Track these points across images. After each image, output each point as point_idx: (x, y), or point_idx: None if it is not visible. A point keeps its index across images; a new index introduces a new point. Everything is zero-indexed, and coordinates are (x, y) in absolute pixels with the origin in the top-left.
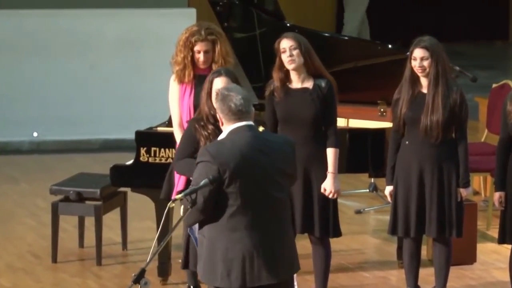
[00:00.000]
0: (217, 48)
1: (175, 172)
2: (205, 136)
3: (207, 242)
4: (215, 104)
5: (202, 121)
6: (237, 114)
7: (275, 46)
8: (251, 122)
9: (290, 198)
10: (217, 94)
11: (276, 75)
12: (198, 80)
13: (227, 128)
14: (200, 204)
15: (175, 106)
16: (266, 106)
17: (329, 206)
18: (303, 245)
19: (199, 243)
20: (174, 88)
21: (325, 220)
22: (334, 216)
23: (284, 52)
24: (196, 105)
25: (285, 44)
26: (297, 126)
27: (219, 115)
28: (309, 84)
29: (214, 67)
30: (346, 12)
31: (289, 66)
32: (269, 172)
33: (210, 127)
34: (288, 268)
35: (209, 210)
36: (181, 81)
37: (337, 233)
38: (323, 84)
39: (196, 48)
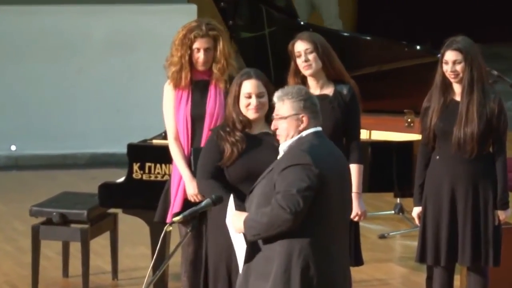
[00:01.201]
0: (219, 46)
1: (171, 191)
2: (232, 142)
3: (280, 259)
4: (291, 102)
5: (228, 127)
6: (320, 116)
7: (289, 49)
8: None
9: None
10: (299, 93)
11: (291, 81)
12: (196, 86)
13: (306, 130)
14: (299, 211)
15: (170, 116)
16: None
17: (351, 230)
18: None
19: (264, 259)
20: (168, 95)
21: None
22: (356, 241)
23: (299, 56)
24: (194, 115)
25: (300, 47)
26: None
27: (306, 117)
28: (328, 90)
29: (215, 68)
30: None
31: (305, 72)
32: (348, 185)
33: (238, 133)
34: None
35: (301, 219)
36: (177, 85)
37: (359, 261)
38: (345, 90)
39: (196, 45)
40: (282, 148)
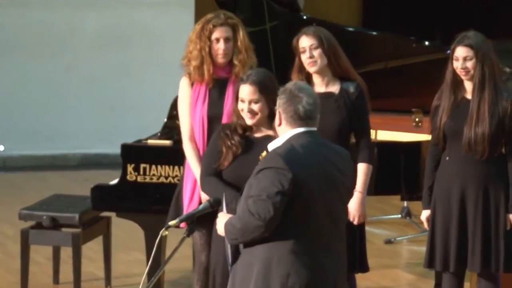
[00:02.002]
0: (239, 35)
1: (184, 194)
2: (228, 146)
3: (260, 265)
4: (278, 97)
5: (229, 129)
6: (304, 119)
7: (293, 44)
8: (315, 129)
9: None
10: (284, 90)
11: (295, 78)
12: (214, 84)
13: (288, 131)
14: (269, 218)
15: (186, 115)
16: None
17: (355, 234)
18: None
19: (247, 264)
20: (185, 92)
21: (350, 252)
22: (361, 247)
23: (303, 52)
24: (211, 115)
25: (305, 42)
26: None
27: (280, 115)
28: (334, 88)
29: (236, 59)
30: None
31: (310, 69)
32: (339, 188)
33: (236, 138)
34: None
35: (275, 225)
36: (199, 80)
37: (364, 268)
38: (351, 88)
39: (215, 35)
40: (269, 148)
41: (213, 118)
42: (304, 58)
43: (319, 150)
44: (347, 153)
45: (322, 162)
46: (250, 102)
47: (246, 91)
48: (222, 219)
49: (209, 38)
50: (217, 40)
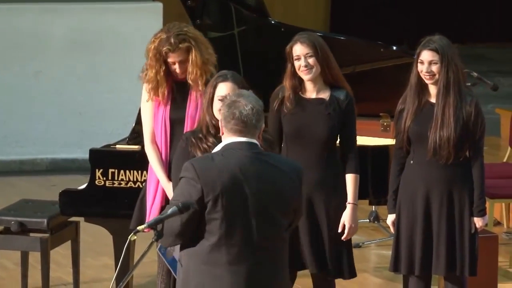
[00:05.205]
0: (191, 57)
1: (147, 197)
2: (204, 149)
3: (182, 274)
4: (220, 110)
5: (201, 133)
6: (239, 125)
7: (287, 51)
8: (254, 140)
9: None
10: (225, 97)
11: (288, 83)
12: (177, 88)
13: (224, 140)
14: (177, 228)
15: (148, 117)
16: (269, 120)
17: (343, 240)
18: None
19: (178, 276)
20: (147, 96)
21: (339, 258)
22: (348, 252)
23: (297, 59)
24: (173, 118)
25: (300, 50)
26: (309, 145)
27: (221, 123)
28: (325, 95)
29: (189, 79)
30: None
31: (305, 77)
32: (265, 203)
33: (211, 139)
34: None
35: (188, 234)
36: (156, 99)
37: (353, 273)
38: (341, 96)
39: (170, 59)
40: None
41: (176, 121)
42: (298, 65)
43: (246, 162)
44: (294, 168)
45: (245, 174)
46: None
47: (230, 88)
48: None
49: (164, 62)
50: (173, 63)
